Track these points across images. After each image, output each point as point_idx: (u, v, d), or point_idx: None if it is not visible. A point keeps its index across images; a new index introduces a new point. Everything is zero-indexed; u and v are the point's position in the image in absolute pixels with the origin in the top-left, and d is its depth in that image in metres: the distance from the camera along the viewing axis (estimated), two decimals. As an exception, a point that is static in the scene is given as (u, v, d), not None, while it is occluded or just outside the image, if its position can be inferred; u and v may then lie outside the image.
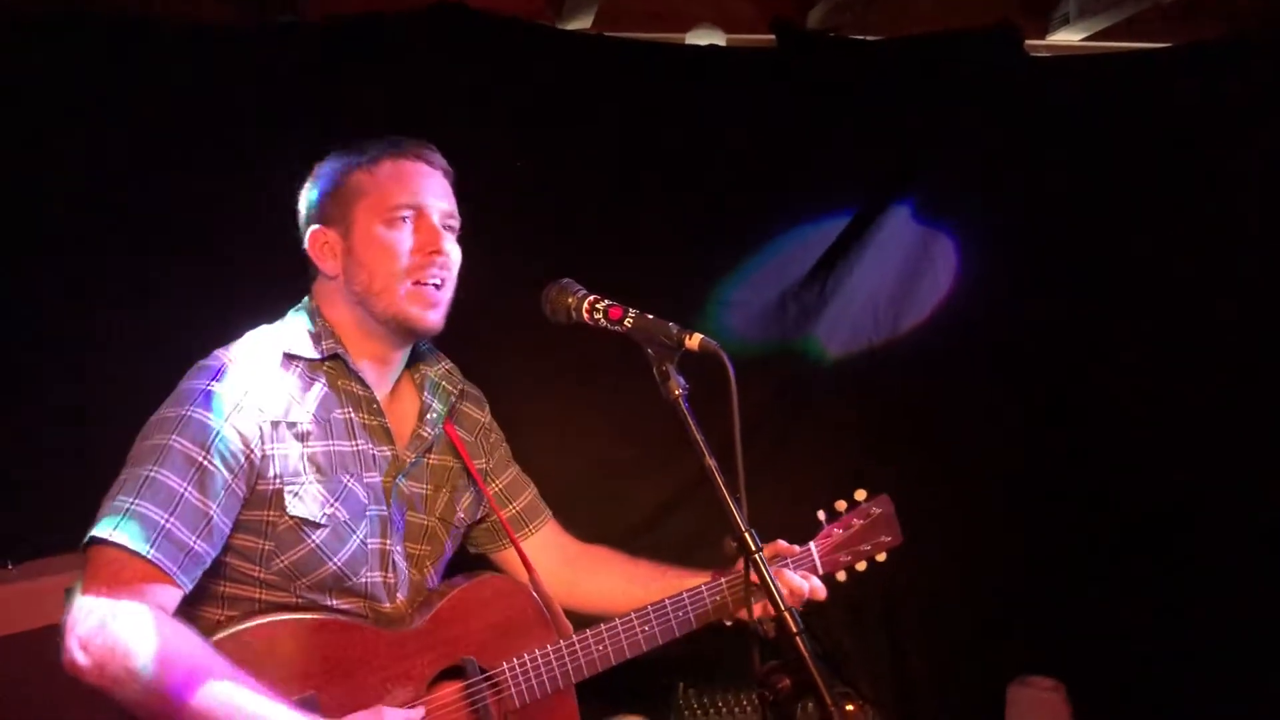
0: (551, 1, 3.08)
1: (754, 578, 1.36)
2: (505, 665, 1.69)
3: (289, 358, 1.64)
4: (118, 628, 1.38)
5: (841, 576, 1.91)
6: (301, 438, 1.60)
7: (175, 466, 1.48)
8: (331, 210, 1.69)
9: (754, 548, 1.36)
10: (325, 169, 1.73)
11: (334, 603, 1.62)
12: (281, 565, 1.58)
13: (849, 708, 1.30)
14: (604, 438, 2.91)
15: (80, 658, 1.37)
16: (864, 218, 3.07)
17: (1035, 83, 3.17)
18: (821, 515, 1.91)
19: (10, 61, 2.46)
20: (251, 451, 1.54)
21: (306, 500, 1.58)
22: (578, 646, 1.72)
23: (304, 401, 1.62)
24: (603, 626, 1.73)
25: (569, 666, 1.71)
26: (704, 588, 1.78)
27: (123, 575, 1.42)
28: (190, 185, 2.57)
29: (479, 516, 1.91)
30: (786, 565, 1.83)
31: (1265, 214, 3.03)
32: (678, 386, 1.43)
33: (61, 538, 2.25)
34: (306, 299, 1.75)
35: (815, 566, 1.87)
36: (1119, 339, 3.16)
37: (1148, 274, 3.12)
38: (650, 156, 2.95)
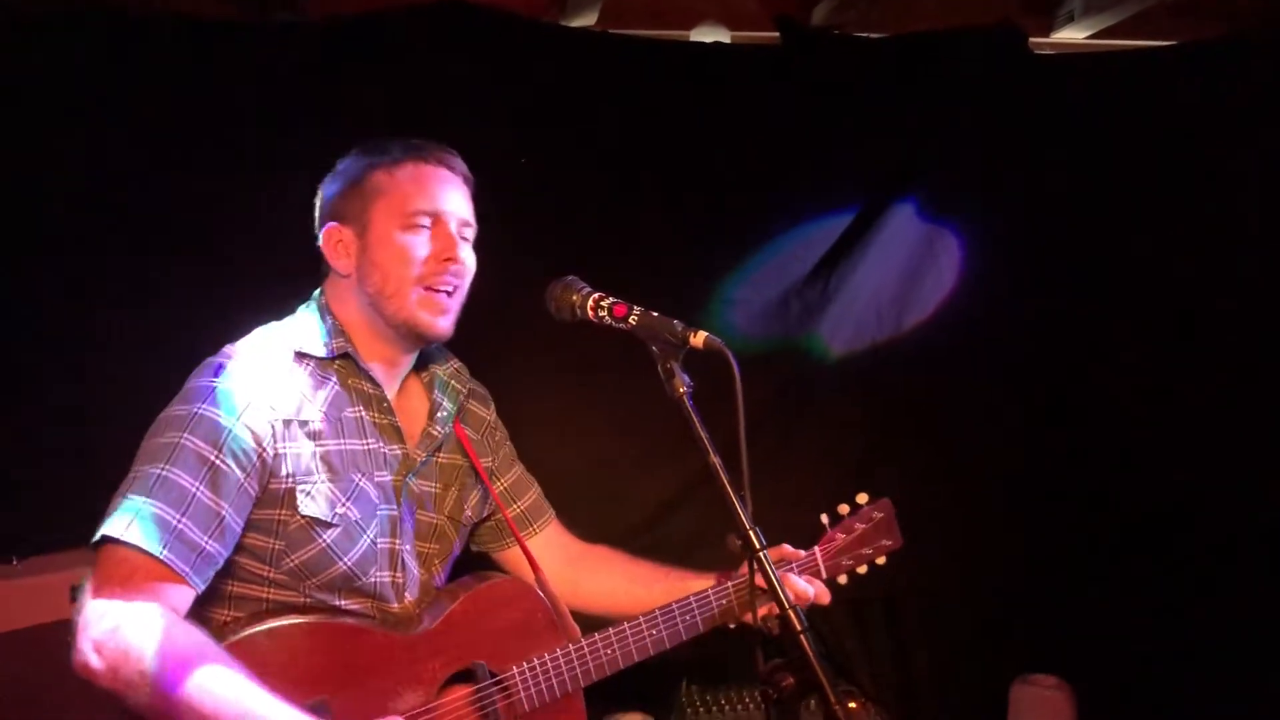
0: (555, -2, 3.09)
1: (759, 577, 1.37)
2: (515, 669, 1.68)
3: (300, 356, 1.63)
4: (131, 631, 1.37)
5: (843, 579, 1.92)
6: (313, 436, 1.59)
7: (187, 465, 1.47)
8: (348, 208, 1.68)
9: (758, 546, 1.36)
10: (346, 165, 1.71)
11: (342, 603, 1.61)
12: (291, 565, 1.57)
13: (852, 706, 1.30)
14: (606, 436, 2.91)
15: (93, 661, 1.36)
16: (867, 215, 3.07)
17: (1038, 81, 3.17)
18: (825, 519, 1.91)
19: (10, 60, 2.45)
20: (264, 450, 1.53)
21: (318, 499, 1.57)
22: (586, 650, 1.71)
23: (315, 400, 1.61)
24: (611, 631, 1.73)
25: (578, 670, 1.70)
26: (710, 592, 1.78)
27: (135, 576, 1.41)
28: (190, 184, 2.57)
29: (485, 515, 1.91)
30: (791, 569, 1.83)
31: (1265, 214, 3.03)
32: (682, 384, 1.43)
33: (64, 535, 2.26)
34: (317, 294, 1.73)
35: (819, 571, 1.88)
36: (1119, 339, 3.17)
37: (1148, 274, 3.12)
38: (654, 154, 2.94)
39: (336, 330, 1.67)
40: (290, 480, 1.56)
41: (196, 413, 1.50)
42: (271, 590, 1.58)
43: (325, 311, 1.69)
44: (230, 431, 1.50)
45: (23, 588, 2.10)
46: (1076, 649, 3.08)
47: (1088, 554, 3.16)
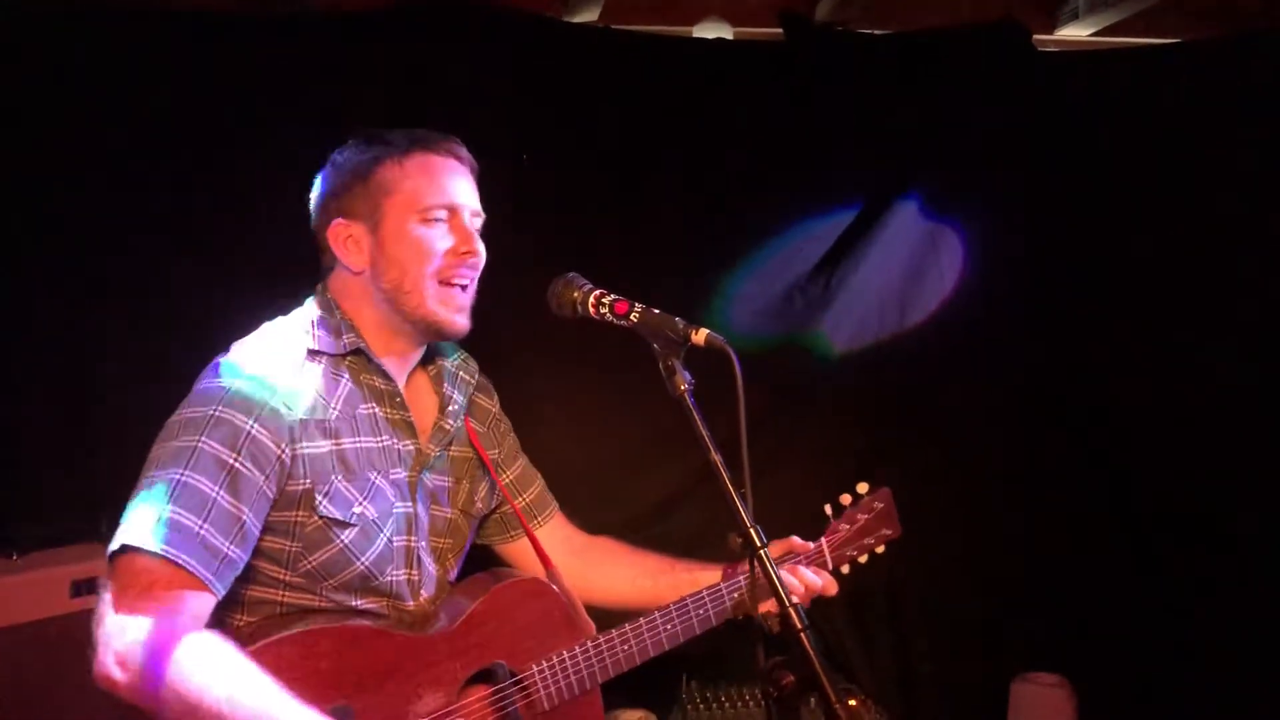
0: (558, -6, 3.08)
1: (759, 574, 1.36)
2: (535, 668, 1.67)
3: (312, 353, 1.60)
4: (155, 642, 1.33)
5: (845, 569, 1.93)
6: (329, 435, 1.56)
7: (206, 470, 1.44)
8: (356, 203, 1.63)
9: (759, 544, 1.36)
10: (347, 159, 1.66)
11: (358, 603, 1.59)
12: (309, 567, 1.55)
13: (852, 704, 1.30)
14: (607, 433, 2.92)
15: (117, 674, 1.32)
16: (870, 212, 3.07)
17: (1041, 78, 3.16)
18: (828, 509, 1.92)
19: (10, 57, 2.44)
20: (282, 452, 1.50)
21: (336, 500, 1.55)
22: (604, 647, 1.70)
23: (329, 398, 1.59)
24: (627, 626, 1.72)
25: (595, 667, 1.70)
26: (723, 586, 1.78)
27: (157, 585, 1.37)
28: (191, 178, 2.57)
29: (493, 507, 1.89)
30: (800, 562, 1.84)
31: (1265, 214, 3.03)
32: (683, 381, 1.42)
33: (63, 530, 2.26)
34: (320, 290, 1.70)
35: (826, 562, 1.88)
36: (1119, 338, 3.17)
37: (1147, 274, 3.12)
38: (656, 149, 2.94)
39: (347, 326, 1.64)
40: (307, 481, 1.53)
41: (213, 415, 1.47)
42: (287, 593, 1.56)
43: (333, 307, 1.66)
44: (248, 433, 1.47)
45: (22, 583, 2.10)
46: (1076, 647, 3.08)
47: (1087, 552, 3.17)
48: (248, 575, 1.52)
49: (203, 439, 1.45)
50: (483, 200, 1.71)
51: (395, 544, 1.62)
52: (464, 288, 1.66)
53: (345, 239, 1.64)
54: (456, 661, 1.61)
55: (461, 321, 1.66)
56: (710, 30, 3.09)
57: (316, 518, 1.53)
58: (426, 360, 1.77)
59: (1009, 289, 3.16)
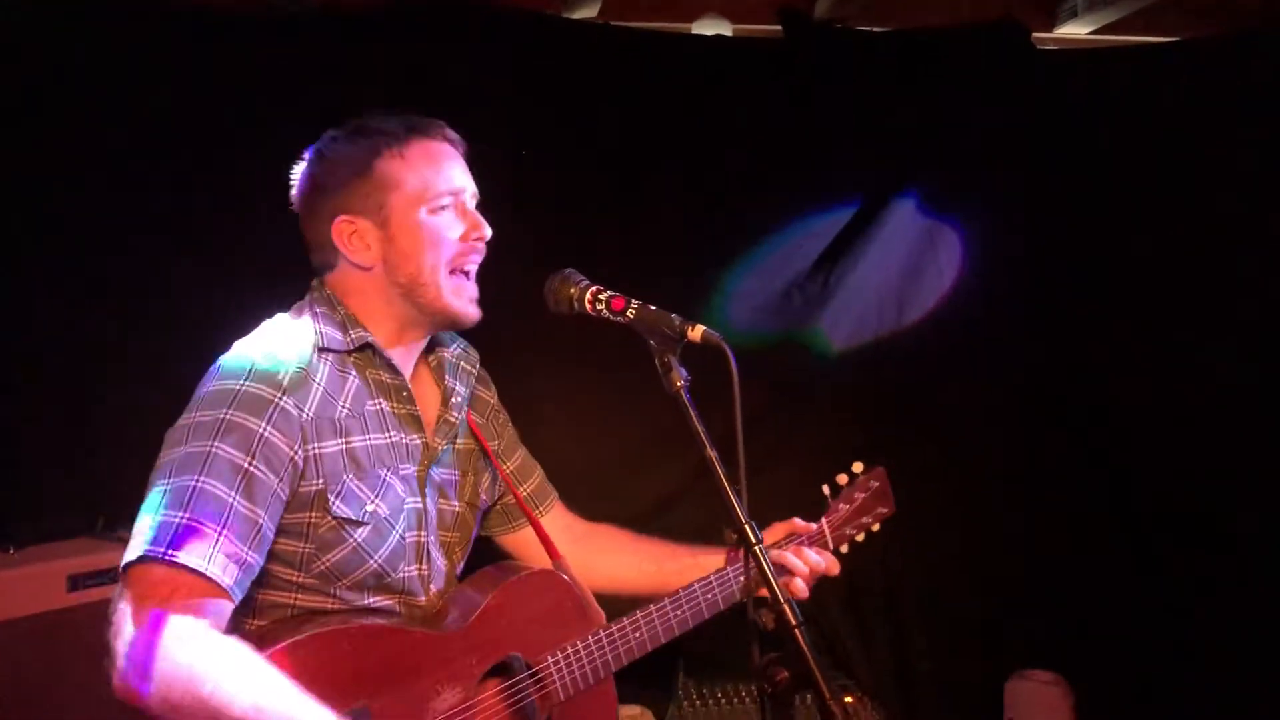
0: (558, -10, 3.08)
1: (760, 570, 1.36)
2: (550, 659, 1.66)
3: (320, 350, 1.58)
4: (180, 653, 1.31)
5: (845, 549, 1.94)
6: (339, 434, 1.55)
7: (221, 475, 1.41)
8: (359, 199, 1.60)
9: (754, 540, 1.36)
10: (339, 152, 1.63)
11: (370, 601, 1.58)
12: (322, 568, 1.53)
13: (848, 699, 1.30)
14: (607, 432, 2.92)
15: (141, 686, 1.30)
16: (868, 210, 3.07)
17: (1041, 76, 3.16)
18: (826, 490, 1.94)
19: (11, 55, 2.45)
20: (295, 453, 1.48)
21: (348, 499, 1.53)
22: (616, 635, 1.70)
23: (338, 396, 1.57)
24: (638, 613, 1.73)
25: (609, 655, 1.70)
26: (729, 570, 1.79)
27: (177, 594, 1.35)
28: (191, 178, 2.57)
29: (496, 498, 1.89)
30: (803, 543, 1.85)
31: (1265, 214, 3.03)
32: (680, 378, 1.41)
33: (60, 524, 2.27)
34: (317, 286, 1.67)
35: (827, 542, 1.90)
36: (1119, 337, 3.17)
37: (1147, 273, 3.12)
38: (655, 146, 2.95)
39: (352, 321, 1.62)
40: (320, 482, 1.51)
41: (225, 418, 1.44)
42: (299, 595, 1.55)
43: (335, 303, 1.63)
44: (262, 436, 1.45)
45: (18, 577, 2.09)
46: (1076, 646, 3.08)
47: (1087, 551, 3.16)
48: (260, 579, 1.50)
49: (216, 443, 1.42)
50: (483, 199, 1.72)
51: (407, 540, 1.62)
52: (467, 274, 1.65)
53: (351, 236, 1.61)
54: (472, 656, 1.61)
55: (474, 311, 1.66)
56: (709, 27, 3.09)
57: (330, 518, 1.52)
58: (427, 351, 1.75)
59: (1009, 288, 3.16)
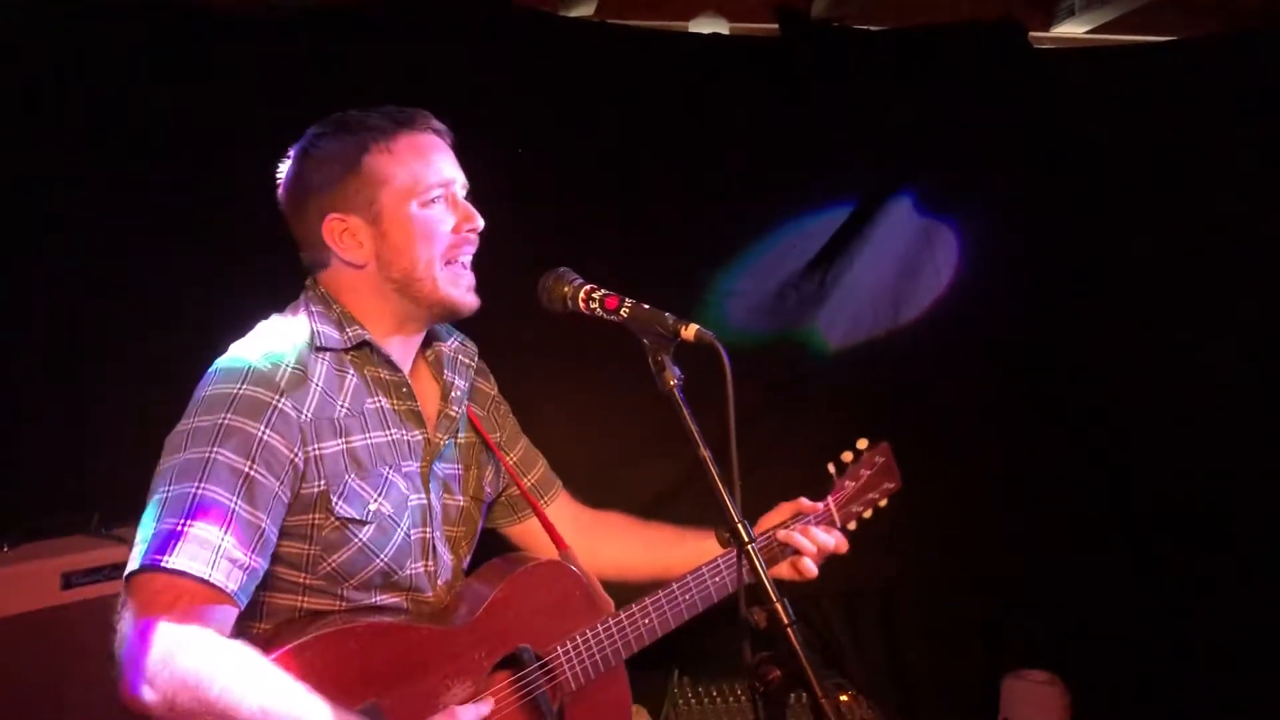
0: (555, -12, 3.09)
1: (755, 571, 1.36)
2: (559, 649, 1.66)
3: (318, 350, 1.57)
4: (186, 659, 1.31)
5: (852, 526, 1.93)
6: (339, 434, 1.54)
7: (221, 480, 1.41)
8: (349, 196, 1.59)
9: (746, 539, 1.36)
10: (325, 149, 1.61)
11: (377, 599, 1.58)
12: (329, 569, 1.53)
13: (844, 698, 1.29)
14: (606, 431, 2.91)
15: (147, 694, 1.30)
16: (865, 209, 3.07)
17: (1038, 76, 3.16)
18: (831, 468, 1.92)
19: (11, 55, 2.45)
20: (295, 455, 1.48)
21: (351, 499, 1.53)
22: (625, 622, 1.70)
23: (337, 395, 1.56)
24: (647, 600, 1.72)
25: (619, 643, 1.69)
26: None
27: (181, 602, 1.35)
28: (191, 178, 2.58)
29: (500, 490, 1.89)
30: (810, 522, 1.84)
31: (1265, 214, 3.02)
32: (673, 377, 1.41)
33: (54, 521, 2.27)
34: (311, 284, 1.67)
35: (834, 521, 1.89)
36: (1119, 339, 3.16)
37: (1148, 273, 3.11)
38: (651, 145, 2.95)
39: (349, 319, 1.61)
40: (322, 483, 1.51)
41: (223, 423, 1.44)
42: (306, 597, 1.55)
43: (330, 301, 1.63)
44: (261, 439, 1.45)
45: (12, 574, 2.09)
46: (1075, 646, 3.08)
47: (1086, 551, 3.16)
48: (266, 582, 1.50)
49: (215, 449, 1.42)
50: (479, 196, 1.72)
51: (412, 537, 1.62)
52: (465, 264, 1.65)
53: (342, 234, 1.60)
54: (481, 650, 1.61)
55: (473, 299, 1.66)
56: (706, 25, 3.09)
57: (333, 519, 1.52)
58: (425, 346, 1.75)
59: (1007, 288, 3.16)
